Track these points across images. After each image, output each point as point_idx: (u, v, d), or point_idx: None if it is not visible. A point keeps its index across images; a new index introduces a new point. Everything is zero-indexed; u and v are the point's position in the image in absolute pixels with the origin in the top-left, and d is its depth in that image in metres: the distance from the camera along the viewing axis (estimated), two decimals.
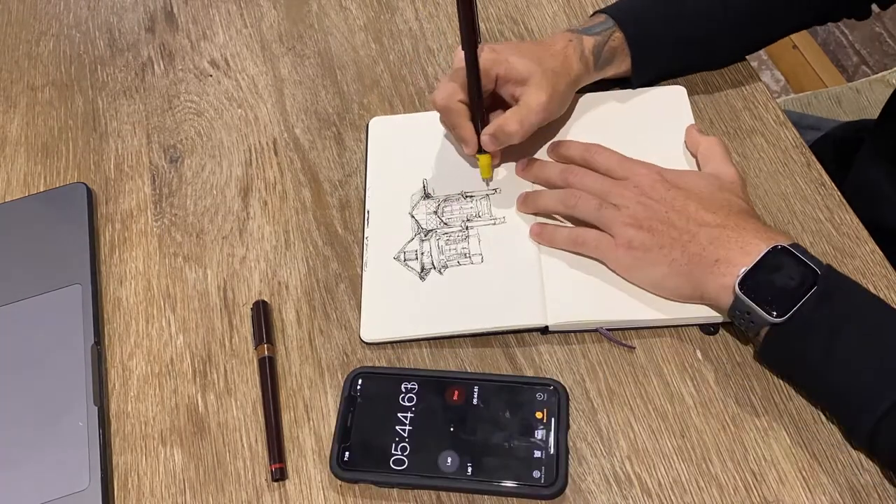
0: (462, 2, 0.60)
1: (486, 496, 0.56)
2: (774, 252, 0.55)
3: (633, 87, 0.73)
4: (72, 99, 0.84)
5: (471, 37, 0.62)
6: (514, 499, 0.56)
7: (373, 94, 0.79)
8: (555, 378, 0.60)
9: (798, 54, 1.79)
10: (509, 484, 0.55)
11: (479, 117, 0.66)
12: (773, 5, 0.71)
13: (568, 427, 0.57)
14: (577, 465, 0.57)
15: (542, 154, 0.71)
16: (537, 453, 0.56)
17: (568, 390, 0.59)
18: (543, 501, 0.55)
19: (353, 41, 0.84)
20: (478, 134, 0.67)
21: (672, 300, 0.60)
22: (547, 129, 0.70)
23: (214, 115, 0.80)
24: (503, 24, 0.83)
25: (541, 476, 0.55)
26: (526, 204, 0.67)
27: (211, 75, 0.83)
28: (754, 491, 0.55)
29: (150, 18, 0.89)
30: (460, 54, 0.64)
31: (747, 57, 0.76)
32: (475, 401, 0.59)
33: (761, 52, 1.91)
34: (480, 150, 0.67)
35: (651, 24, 0.70)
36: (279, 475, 0.58)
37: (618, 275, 0.62)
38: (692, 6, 0.70)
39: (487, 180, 0.70)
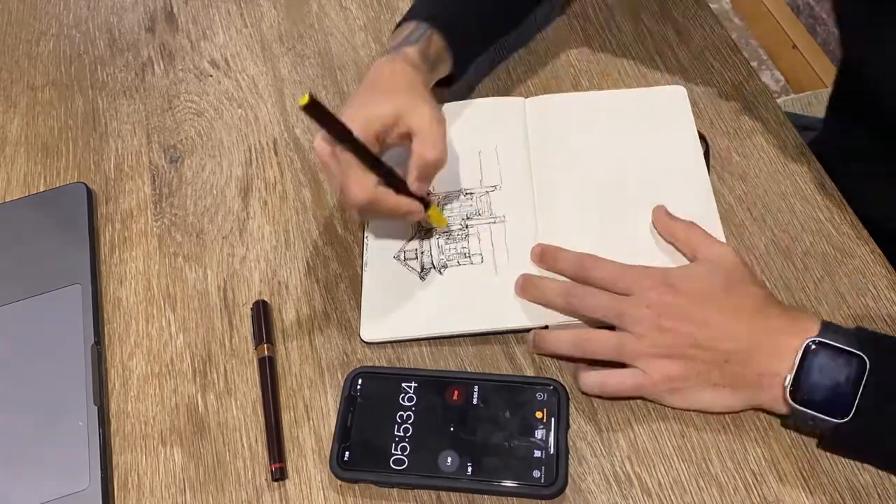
0: (310, 109, 0.55)
1: (486, 496, 0.56)
2: (808, 354, 0.52)
3: (455, 82, 0.72)
4: (72, 99, 0.84)
5: (343, 129, 0.57)
6: (515, 499, 0.56)
7: None
8: (555, 378, 0.60)
9: (798, 54, 1.80)
10: (509, 484, 0.55)
11: (401, 182, 0.61)
12: None
13: (568, 427, 0.57)
14: (577, 465, 0.57)
15: (533, 182, 0.69)
16: (537, 453, 0.56)
17: (568, 390, 0.59)
18: (543, 502, 0.55)
19: (353, 41, 0.84)
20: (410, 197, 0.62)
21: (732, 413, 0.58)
22: (543, 133, 0.70)
23: (214, 115, 0.80)
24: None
25: (541, 476, 0.55)
26: (535, 345, 0.61)
27: (211, 75, 0.83)
28: (754, 491, 0.55)
29: (150, 18, 0.89)
30: (320, 149, 0.59)
31: (747, 57, 0.76)
32: (475, 400, 0.59)
33: (761, 52, 1.90)
34: (426, 206, 0.64)
35: (457, 14, 0.69)
36: (279, 475, 0.58)
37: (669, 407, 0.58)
38: None
39: (446, 229, 0.67)
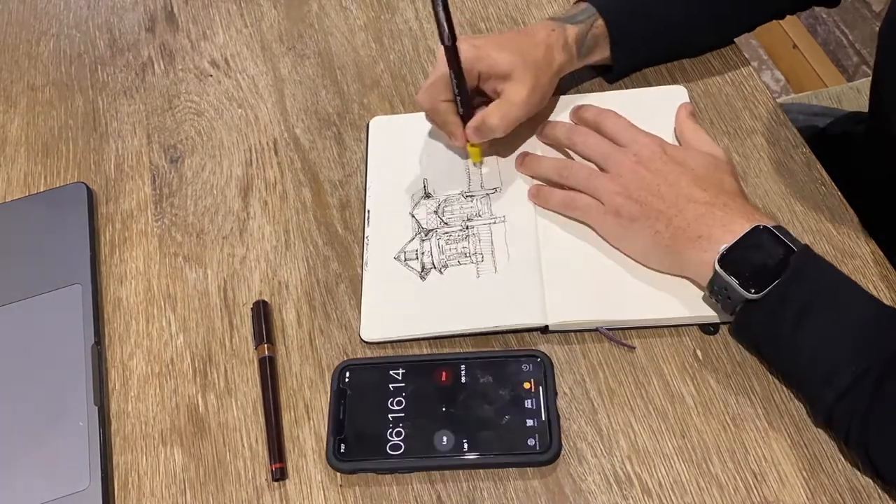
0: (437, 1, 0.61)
1: (483, 473, 0.57)
2: (756, 231, 0.56)
3: (613, 74, 0.74)
4: (72, 99, 0.84)
5: (450, 33, 0.63)
6: (513, 470, 0.56)
7: (373, 94, 0.79)
8: (538, 349, 0.61)
9: (798, 54, 1.79)
10: (506, 455, 0.56)
11: (466, 110, 0.67)
12: None
13: (556, 394, 0.59)
14: (577, 465, 0.57)
15: (532, 147, 0.71)
16: (529, 422, 0.57)
17: (552, 359, 0.60)
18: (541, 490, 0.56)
19: (353, 41, 0.84)
20: (465, 121, 0.67)
21: (657, 270, 0.62)
22: (537, 121, 0.70)
23: (214, 115, 0.80)
24: (503, 24, 0.83)
25: (535, 444, 0.56)
26: (524, 165, 0.69)
27: (211, 75, 0.83)
28: (754, 491, 0.55)
29: (151, 18, 0.89)
30: (441, 52, 0.64)
31: (747, 56, 0.76)
32: (463, 379, 0.60)
33: (761, 52, 1.91)
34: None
35: (631, 12, 0.71)
36: (279, 475, 0.58)
37: (605, 241, 0.64)
38: None
39: (479, 164, 0.70)
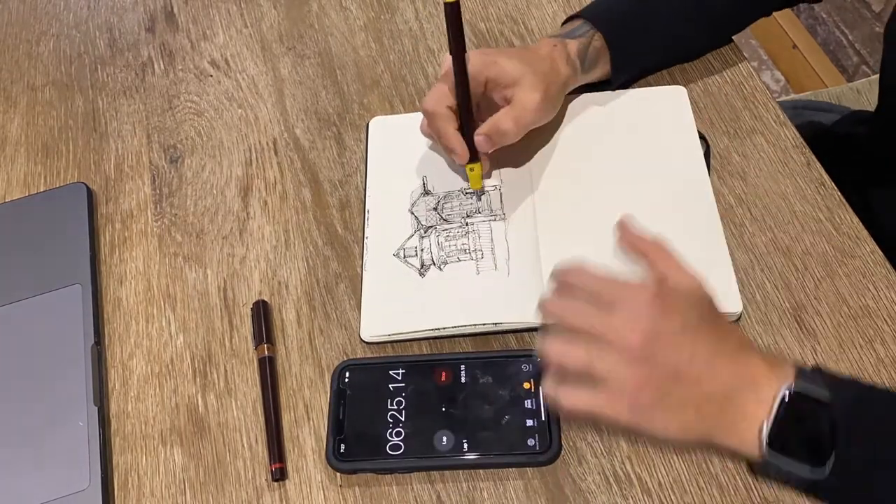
0: (450, 7, 0.60)
1: (483, 473, 0.57)
2: (790, 400, 0.48)
3: (612, 87, 0.73)
4: (72, 99, 0.84)
5: (458, 42, 0.62)
6: (513, 470, 0.56)
7: (373, 94, 0.79)
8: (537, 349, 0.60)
9: (798, 54, 1.79)
10: (505, 455, 0.56)
11: (468, 124, 0.65)
12: None
13: None
14: (577, 465, 0.57)
15: (533, 183, 0.69)
16: (529, 422, 0.57)
17: None
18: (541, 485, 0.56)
19: (353, 41, 0.84)
20: (467, 141, 0.65)
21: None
22: (543, 131, 0.70)
23: (214, 115, 0.80)
24: (503, 23, 0.83)
25: (535, 444, 0.56)
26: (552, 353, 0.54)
27: (211, 75, 0.83)
28: (755, 491, 0.55)
29: (150, 18, 0.89)
30: (448, 59, 0.63)
31: (747, 56, 0.76)
32: (463, 379, 0.60)
33: (761, 52, 1.91)
34: (471, 159, 0.66)
35: (627, 23, 0.71)
36: (279, 475, 0.58)
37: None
38: (666, 1, 0.71)
39: (478, 191, 0.69)
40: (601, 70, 0.71)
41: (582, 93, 0.74)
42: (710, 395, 0.49)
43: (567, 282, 0.54)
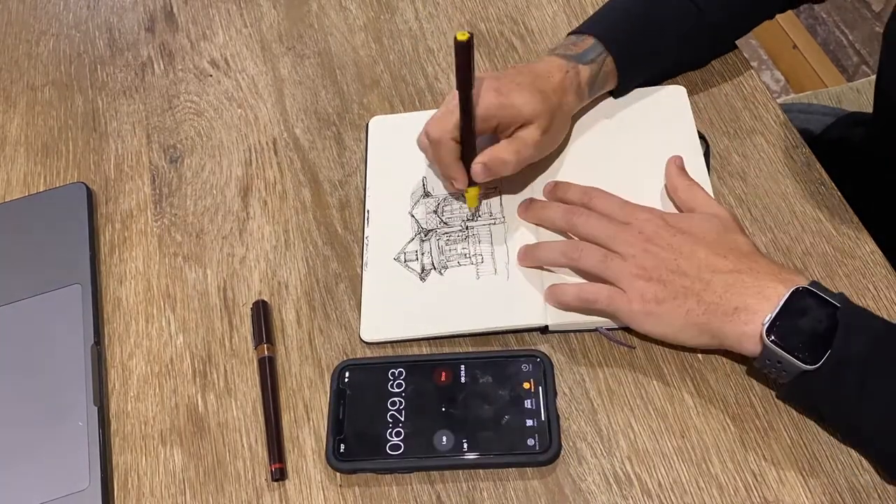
0: (460, 45, 0.57)
1: (483, 473, 0.57)
2: (796, 295, 0.53)
3: (615, 98, 0.73)
4: (72, 99, 0.84)
5: (466, 81, 0.59)
6: (513, 470, 0.56)
7: (373, 94, 0.79)
8: (537, 348, 0.61)
9: (798, 54, 1.79)
10: (505, 455, 0.56)
11: (469, 155, 0.64)
12: (743, 2, 0.72)
13: (556, 394, 0.59)
14: (577, 465, 0.57)
15: (534, 184, 0.70)
16: (529, 422, 0.57)
17: (551, 359, 0.60)
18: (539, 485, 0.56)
19: (353, 41, 0.84)
20: (466, 167, 0.64)
21: (690, 350, 0.59)
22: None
23: (214, 115, 0.80)
24: (503, 24, 0.83)
25: (535, 444, 0.56)
26: (526, 257, 0.64)
27: (211, 75, 0.83)
28: (754, 491, 0.55)
29: (150, 18, 0.89)
30: (456, 93, 0.61)
31: (747, 57, 0.76)
32: (463, 379, 0.60)
33: (761, 52, 1.91)
34: (470, 183, 0.66)
35: (636, 47, 0.70)
36: (279, 475, 0.58)
37: (631, 328, 0.59)
38: (670, 17, 0.70)
39: (475, 210, 0.68)
40: (605, 90, 0.71)
41: None
42: (711, 283, 0.56)
43: (578, 199, 0.64)
